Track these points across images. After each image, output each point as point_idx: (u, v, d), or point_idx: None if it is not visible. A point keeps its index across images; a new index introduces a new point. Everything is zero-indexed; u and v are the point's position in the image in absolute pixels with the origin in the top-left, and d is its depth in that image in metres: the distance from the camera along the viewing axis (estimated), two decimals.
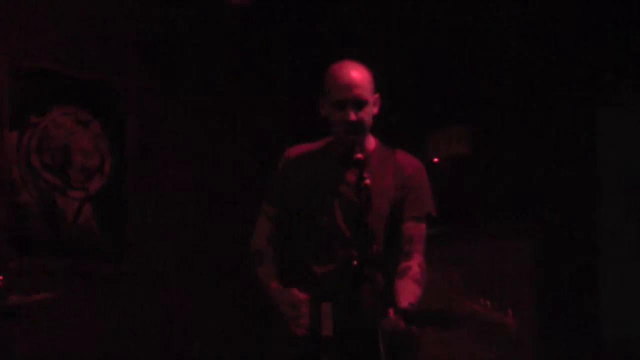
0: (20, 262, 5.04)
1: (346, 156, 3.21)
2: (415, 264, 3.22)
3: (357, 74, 3.23)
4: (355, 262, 3.12)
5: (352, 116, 3.20)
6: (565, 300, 5.31)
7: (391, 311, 3.00)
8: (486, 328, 2.95)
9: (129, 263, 5.42)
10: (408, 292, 3.13)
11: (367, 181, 3.07)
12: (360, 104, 3.21)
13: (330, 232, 3.26)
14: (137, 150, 5.53)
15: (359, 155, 3.15)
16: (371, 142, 3.38)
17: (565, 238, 5.36)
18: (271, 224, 3.39)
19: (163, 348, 5.36)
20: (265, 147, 5.60)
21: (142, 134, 5.56)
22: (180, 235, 5.64)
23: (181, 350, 5.40)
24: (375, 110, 3.30)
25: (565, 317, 5.29)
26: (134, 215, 5.46)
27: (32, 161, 5.22)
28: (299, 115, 5.49)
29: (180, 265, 5.59)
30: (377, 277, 3.11)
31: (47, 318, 4.99)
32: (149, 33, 5.62)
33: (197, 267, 5.65)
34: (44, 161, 5.25)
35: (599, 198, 5.35)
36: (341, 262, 3.22)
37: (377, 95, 3.30)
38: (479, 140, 5.69)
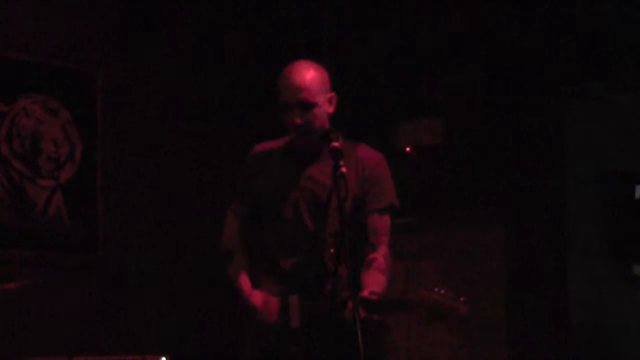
0: None
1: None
2: (380, 255, 3.25)
3: (305, 76, 3.24)
4: (332, 250, 3.19)
5: (297, 119, 3.24)
6: (535, 285, 5.38)
7: (350, 302, 3.04)
8: (439, 314, 3.04)
9: (99, 254, 5.38)
10: (372, 282, 3.17)
11: (344, 169, 3.10)
12: (306, 106, 3.23)
13: (294, 226, 3.31)
14: (108, 138, 5.48)
15: (335, 144, 3.16)
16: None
17: (534, 226, 5.44)
18: (239, 220, 3.44)
19: (132, 340, 5.32)
20: (244, 134, 5.52)
21: (112, 121, 5.52)
22: (152, 225, 5.60)
23: (151, 342, 5.35)
24: (330, 109, 3.31)
25: (535, 303, 5.37)
26: (105, 205, 5.42)
27: (2, 150, 5.17)
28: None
29: (152, 256, 5.56)
30: (341, 269, 3.20)
31: (16, 308, 4.95)
32: (117, 18, 5.59)
33: (170, 258, 5.62)
34: (14, 150, 5.20)
35: (567, 187, 5.42)
36: (306, 255, 3.28)
37: (331, 95, 3.31)
38: (448, 130, 5.76)
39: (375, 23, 6.07)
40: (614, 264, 5.50)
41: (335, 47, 6.07)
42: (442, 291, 3.01)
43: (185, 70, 5.88)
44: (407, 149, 5.77)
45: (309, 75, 3.24)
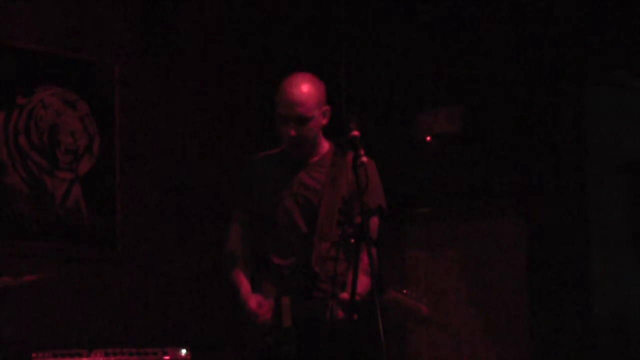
0: (8, 244, 4.99)
1: (345, 134, 3.29)
2: (366, 257, 3.23)
3: (302, 91, 3.37)
4: (352, 240, 3.20)
5: (292, 132, 3.38)
6: (556, 276, 5.35)
7: (331, 303, 3.19)
8: (402, 313, 3.16)
9: (118, 247, 5.36)
10: (357, 284, 3.21)
11: (364, 158, 3.14)
12: (302, 120, 3.37)
13: (289, 229, 3.45)
14: (126, 131, 5.46)
15: (355, 133, 3.20)
16: (324, 145, 3.54)
17: (555, 216, 5.40)
18: (242, 227, 3.58)
19: (151, 333, 5.29)
20: (262, 128, 5.47)
21: (130, 114, 5.49)
22: (172, 218, 5.57)
23: (172, 334, 5.33)
24: (324, 121, 3.45)
25: (556, 293, 5.33)
26: (123, 198, 5.40)
27: (20, 142, 5.15)
28: None
29: (172, 249, 5.54)
30: (330, 270, 3.32)
31: (35, 301, 4.94)
32: (136, 10, 5.55)
33: (189, 251, 5.59)
34: (32, 142, 5.18)
35: (589, 176, 5.37)
36: (300, 257, 3.40)
37: (326, 108, 3.44)
38: (468, 119, 5.73)
39: (395, 10, 6.04)
40: (636, 254, 5.44)
41: (354, 39, 6.04)
42: (405, 291, 3.14)
43: (205, 63, 5.85)
44: (427, 138, 5.76)
45: (305, 90, 3.37)
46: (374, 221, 3.38)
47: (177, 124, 5.70)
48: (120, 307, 5.30)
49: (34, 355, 4.43)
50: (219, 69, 5.89)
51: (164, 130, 5.64)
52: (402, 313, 3.15)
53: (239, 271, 3.52)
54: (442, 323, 5.72)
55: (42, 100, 5.22)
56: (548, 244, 5.42)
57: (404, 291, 3.13)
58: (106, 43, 5.44)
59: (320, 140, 3.50)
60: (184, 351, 4.67)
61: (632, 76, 5.42)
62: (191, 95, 5.77)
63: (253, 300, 3.43)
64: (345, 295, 3.18)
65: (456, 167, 5.76)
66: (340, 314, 3.16)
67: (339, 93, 6.00)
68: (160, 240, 5.51)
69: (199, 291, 5.56)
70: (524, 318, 5.48)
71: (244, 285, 3.49)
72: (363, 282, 3.21)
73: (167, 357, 4.65)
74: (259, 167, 3.56)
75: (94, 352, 4.55)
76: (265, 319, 3.39)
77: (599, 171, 5.43)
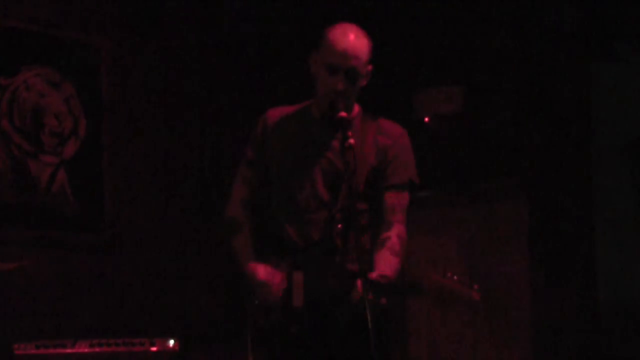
0: None
1: (329, 118, 3.10)
2: (394, 235, 3.12)
3: (358, 43, 3.11)
4: (339, 226, 3.06)
5: (341, 85, 3.09)
6: (561, 260, 5.26)
7: (359, 282, 2.91)
8: (451, 301, 2.98)
9: (105, 233, 5.28)
10: (384, 264, 3.05)
11: (351, 140, 2.97)
12: (353, 75, 3.11)
13: (309, 195, 3.17)
14: (113, 113, 5.36)
15: (343, 114, 3.04)
16: (355, 108, 3.26)
17: (560, 198, 5.31)
18: (248, 188, 3.29)
19: (138, 323, 5.23)
20: (246, 110, 5.47)
21: (117, 95, 5.39)
22: (162, 204, 5.49)
23: (157, 325, 5.25)
24: (364, 82, 3.19)
25: (561, 278, 5.25)
26: (111, 182, 5.31)
27: (2, 125, 5.05)
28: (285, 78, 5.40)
29: (160, 235, 5.46)
30: (352, 246, 3.08)
31: (19, 289, 4.88)
32: None
33: (180, 238, 5.52)
34: (15, 125, 5.08)
35: (594, 156, 5.29)
36: (318, 227, 3.14)
37: (370, 68, 3.19)
38: (469, 98, 5.63)
39: None
40: None
41: (346, 15, 5.90)
42: (455, 277, 2.93)
43: (198, 40, 5.75)
44: (426, 118, 5.66)
45: (361, 43, 3.12)
46: (404, 196, 3.19)
47: (168, 105, 5.60)
48: (107, 296, 5.23)
49: (15, 346, 4.36)
50: (213, 49, 5.80)
51: (153, 112, 5.54)
52: (448, 300, 2.95)
53: (243, 239, 3.24)
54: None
55: (25, 81, 5.13)
56: (551, 227, 5.32)
57: (449, 274, 2.93)
58: (92, 21, 5.33)
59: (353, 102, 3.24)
60: (172, 342, 4.59)
61: (638, 52, 5.24)
62: (182, 75, 5.67)
63: (262, 270, 3.14)
64: (374, 276, 2.95)
65: (456, 149, 5.66)
66: (370, 296, 2.86)
67: None
68: (150, 226, 5.43)
69: (189, 280, 5.49)
70: (526, 305, 5.40)
71: (249, 254, 3.20)
72: (392, 263, 3.05)
73: (154, 348, 4.57)
74: (277, 122, 3.24)
75: (78, 343, 4.47)
76: (280, 290, 3.11)
77: (605, 151, 5.31)
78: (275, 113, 3.28)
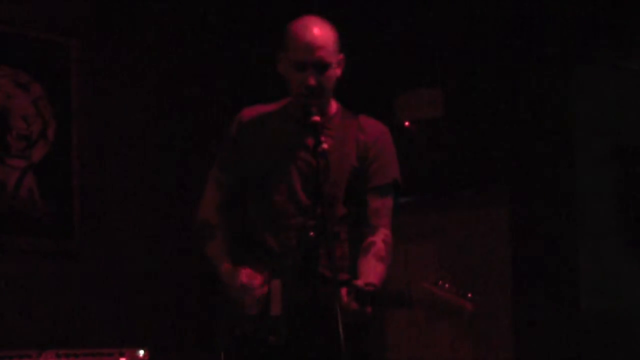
0: None
1: (305, 119, 3.00)
2: (379, 240, 3.02)
3: (321, 33, 3.01)
4: (311, 233, 2.96)
5: (312, 80, 2.99)
6: (543, 270, 5.22)
7: (344, 291, 2.82)
8: (442, 311, 2.82)
9: (75, 239, 5.18)
10: (369, 271, 2.94)
11: (325, 145, 2.88)
12: (322, 67, 3.00)
13: (287, 200, 3.06)
14: (84, 115, 5.25)
15: (316, 118, 2.94)
16: (332, 105, 3.15)
17: (542, 206, 5.25)
18: (221, 192, 3.18)
19: (108, 332, 5.14)
20: (223, 112, 5.40)
21: (89, 97, 5.28)
22: (132, 209, 5.40)
23: (127, 334, 5.16)
24: (338, 72, 3.07)
25: (542, 290, 5.21)
26: (81, 186, 5.21)
27: None
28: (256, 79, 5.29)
29: (131, 242, 5.36)
30: (333, 251, 2.94)
31: None
32: None
33: (150, 244, 5.42)
34: None
35: (577, 164, 5.24)
36: (297, 233, 3.03)
37: (341, 57, 3.08)
38: (450, 102, 5.57)
39: None
40: (627, 245, 5.24)
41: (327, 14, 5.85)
42: (447, 286, 2.79)
43: (173, 39, 5.64)
44: (406, 123, 5.59)
45: (326, 32, 3.02)
46: (388, 198, 3.09)
47: (140, 107, 5.49)
48: (76, 304, 5.12)
49: None
50: (187, 48, 5.70)
51: (125, 115, 5.44)
52: (440, 310, 2.81)
53: (217, 243, 3.13)
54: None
55: None
56: (533, 235, 5.26)
57: (439, 283, 2.78)
58: (62, 20, 5.22)
59: (330, 97, 3.12)
60: (141, 352, 4.54)
61: (621, 57, 5.21)
62: (156, 76, 5.57)
63: (242, 273, 3.03)
64: (360, 283, 2.84)
65: (437, 155, 5.60)
66: (354, 305, 2.80)
67: None
68: (121, 232, 5.33)
69: (160, 288, 5.39)
70: (508, 314, 5.34)
71: (226, 259, 3.09)
72: (377, 270, 2.94)
73: (123, 359, 4.52)
74: (250, 124, 3.14)
75: (44, 354, 4.40)
76: (262, 293, 2.99)
77: (589, 157, 5.25)
78: (251, 112, 3.18)
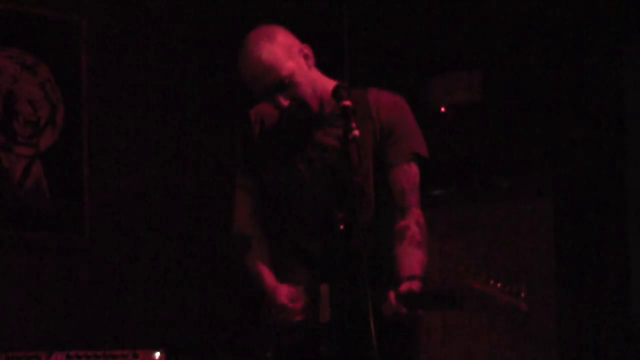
0: None
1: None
2: (412, 222, 2.90)
3: (260, 56, 2.87)
4: (341, 227, 2.85)
5: (283, 102, 2.91)
6: (589, 268, 5.11)
7: (392, 294, 2.71)
8: (496, 311, 2.82)
9: (86, 233, 4.98)
10: (410, 262, 2.83)
11: (356, 132, 2.74)
12: (282, 84, 2.89)
13: (310, 202, 2.99)
14: (95, 99, 5.06)
15: (347, 102, 2.79)
16: (330, 86, 2.96)
17: (589, 197, 5.15)
18: (250, 197, 3.09)
19: (121, 332, 4.98)
20: (238, 103, 5.15)
21: (99, 80, 5.08)
22: (147, 201, 5.18)
23: (141, 334, 5.02)
24: (310, 62, 2.95)
25: (589, 289, 5.09)
26: (92, 176, 5.02)
27: None
28: None
29: (145, 237, 5.16)
30: (369, 246, 2.81)
31: None
32: None
33: (167, 239, 5.22)
34: None
35: (628, 151, 5.08)
36: (330, 235, 2.92)
37: (299, 48, 2.94)
38: (488, 86, 5.48)
39: None
40: None
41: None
42: (499, 285, 2.66)
43: (189, 19, 5.42)
44: (442, 108, 5.47)
45: (265, 52, 2.88)
46: (413, 173, 2.96)
47: (154, 91, 5.27)
48: (87, 302, 4.94)
49: None
50: (205, 28, 5.47)
51: (138, 100, 5.21)
52: (492, 311, 2.80)
53: (256, 255, 3.05)
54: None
55: None
56: (579, 231, 5.15)
57: (491, 282, 2.67)
58: None
59: (321, 85, 2.95)
60: (157, 354, 4.41)
61: None
62: (170, 58, 5.34)
63: (283, 293, 2.95)
64: (406, 287, 2.74)
65: (475, 143, 5.50)
66: (404, 309, 2.72)
67: (341, 56, 5.65)
68: (134, 226, 5.12)
69: (176, 284, 5.20)
70: (552, 317, 5.20)
71: (267, 273, 3.02)
72: (417, 258, 2.84)
73: None
74: (262, 122, 3.08)
75: (54, 355, 4.31)
76: (302, 313, 2.92)
77: (638, 143, 5.06)
78: (259, 111, 3.10)
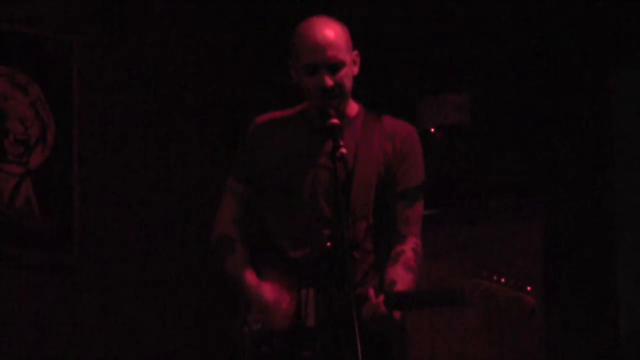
0: None
1: (322, 122, 2.95)
2: (409, 248, 2.95)
3: (329, 31, 2.98)
4: (328, 244, 2.90)
5: (328, 81, 2.94)
6: (578, 289, 5.13)
7: (371, 291, 2.80)
8: (501, 307, 2.66)
9: (75, 252, 5.00)
10: (396, 280, 2.89)
11: (343, 150, 2.82)
12: (335, 66, 2.95)
13: (309, 210, 3.00)
14: (86, 118, 5.09)
15: (334, 121, 2.88)
16: (353, 107, 3.09)
17: (577, 219, 5.17)
18: (238, 203, 3.12)
19: (113, 352, 4.97)
20: (231, 114, 5.33)
21: (91, 100, 5.11)
22: (137, 218, 5.21)
23: (134, 354, 5.02)
24: (355, 70, 3.03)
25: (577, 309, 5.11)
26: (82, 195, 5.03)
27: None
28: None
29: (137, 254, 5.18)
30: (357, 262, 2.95)
31: None
32: None
33: (154, 257, 5.24)
34: None
35: (617, 174, 5.13)
36: (321, 245, 2.96)
37: (355, 53, 3.04)
38: (477, 107, 5.49)
39: None
40: None
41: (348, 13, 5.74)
42: (503, 280, 2.64)
43: (178, 40, 5.47)
44: (431, 129, 5.49)
45: (333, 30, 2.98)
46: (418, 205, 3.02)
47: (144, 111, 5.30)
48: (76, 322, 4.94)
49: None
50: (191, 48, 5.52)
51: (128, 118, 5.25)
52: (498, 306, 2.65)
53: (238, 258, 3.06)
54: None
55: None
56: (568, 250, 5.17)
57: (495, 278, 2.64)
58: (62, 16, 5.06)
59: (348, 98, 3.06)
60: None
61: None
62: (163, 77, 5.39)
63: (267, 290, 2.97)
64: (395, 289, 2.85)
65: (464, 163, 5.50)
66: (383, 309, 2.78)
67: None
68: (124, 244, 5.15)
69: (169, 302, 5.21)
70: (540, 337, 5.20)
71: (249, 273, 3.02)
72: (406, 280, 2.88)
73: None
74: (269, 130, 3.09)
75: None
76: (293, 309, 2.93)
77: (627, 166, 5.12)
78: (266, 119, 3.13)
